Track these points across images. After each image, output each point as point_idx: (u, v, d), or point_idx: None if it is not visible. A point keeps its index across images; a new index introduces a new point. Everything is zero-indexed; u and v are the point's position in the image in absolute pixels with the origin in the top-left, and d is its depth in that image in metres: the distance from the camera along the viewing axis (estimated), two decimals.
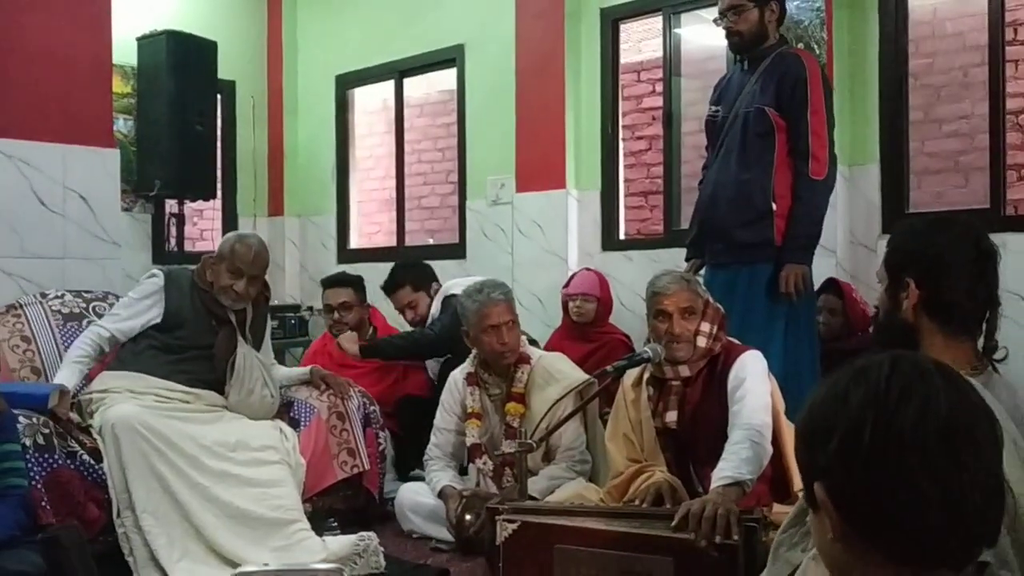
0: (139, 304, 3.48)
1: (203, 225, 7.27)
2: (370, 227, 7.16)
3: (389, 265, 6.26)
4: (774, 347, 3.27)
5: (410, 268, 4.79)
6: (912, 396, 0.99)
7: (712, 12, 3.70)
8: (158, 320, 3.43)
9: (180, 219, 5.77)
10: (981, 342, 1.87)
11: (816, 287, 3.78)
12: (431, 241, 7.09)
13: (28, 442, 2.93)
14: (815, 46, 4.37)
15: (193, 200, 5.89)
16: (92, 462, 3.07)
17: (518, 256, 5.49)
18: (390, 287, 4.70)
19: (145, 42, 5.67)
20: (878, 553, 1.01)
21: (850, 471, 1.00)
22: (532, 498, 2.93)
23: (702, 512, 2.27)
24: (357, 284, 4.64)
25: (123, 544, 2.99)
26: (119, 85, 5.64)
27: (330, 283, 4.68)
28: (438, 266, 6.13)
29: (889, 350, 1.08)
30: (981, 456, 1.00)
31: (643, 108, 6.69)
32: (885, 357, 1.04)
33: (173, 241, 5.75)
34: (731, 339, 2.93)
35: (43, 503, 2.85)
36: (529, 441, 2.89)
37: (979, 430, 1.01)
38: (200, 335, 3.44)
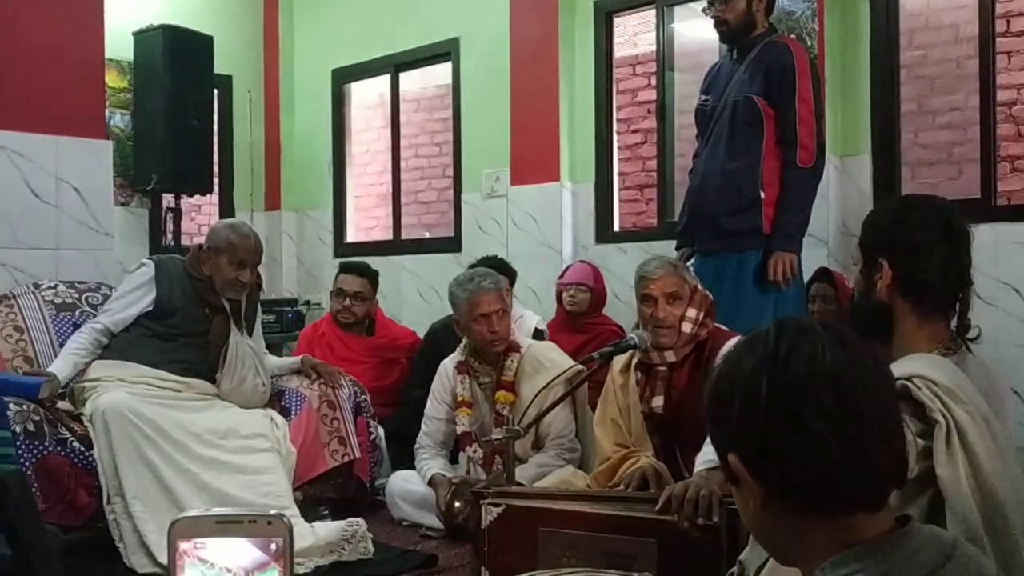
0: (130, 295, 3.46)
1: (200, 220, 7.29)
2: (367, 221, 7.17)
3: (386, 259, 6.29)
4: None
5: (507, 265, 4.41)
6: (799, 352, 1.05)
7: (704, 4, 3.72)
8: (150, 308, 3.42)
9: (177, 214, 5.79)
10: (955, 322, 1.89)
11: (807, 276, 3.79)
12: (427, 235, 7.11)
13: (18, 429, 2.95)
14: (807, 37, 4.38)
15: (190, 195, 5.92)
16: (82, 449, 3.09)
17: (513, 249, 5.50)
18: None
19: (141, 36, 5.69)
20: (798, 510, 1.06)
21: (754, 433, 1.05)
22: (519, 484, 2.94)
23: (685, 494, 2.28)
24: (374, 278, 4.56)
25: (113, 530, 3.00)
26: (115, 79, 5.67)
27: (350, 269, 4.55)
28: (434, 260, 6.13)
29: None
30: (874, 399, 1.04)
31: (639, 102, 6.70)
32: (771, 324, 1.10)
33: (170, 236, 5.77)
34: (718, 325, 2.94)
35: (33, 490, 2.85)
36: (516, 427, 2.90)
37: (868, 375, 1.05)
38: (192, 323, 3.43)
